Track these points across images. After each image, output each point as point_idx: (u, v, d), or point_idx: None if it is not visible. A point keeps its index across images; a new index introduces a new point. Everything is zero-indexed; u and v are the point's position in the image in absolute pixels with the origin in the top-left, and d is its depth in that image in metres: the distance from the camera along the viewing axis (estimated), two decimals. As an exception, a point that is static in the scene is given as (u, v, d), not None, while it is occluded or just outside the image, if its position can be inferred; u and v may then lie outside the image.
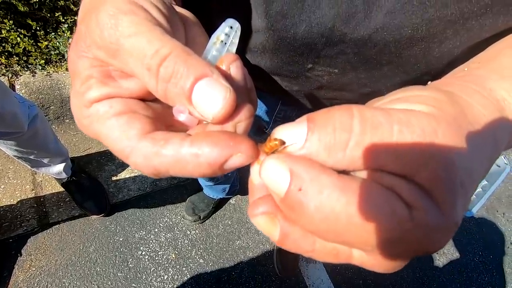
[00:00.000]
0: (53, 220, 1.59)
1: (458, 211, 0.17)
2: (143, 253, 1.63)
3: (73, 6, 1.77)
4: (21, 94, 1.63)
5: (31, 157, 1.33)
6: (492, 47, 0.31)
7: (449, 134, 0.18)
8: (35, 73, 1.76)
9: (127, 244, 1.63)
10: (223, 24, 0.25)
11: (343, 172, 0.18)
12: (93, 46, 0.21)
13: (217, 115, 0.20)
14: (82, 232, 1.61)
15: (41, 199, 1.63)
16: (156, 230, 1.71)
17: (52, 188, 1.67)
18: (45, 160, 1.40)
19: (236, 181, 1.71)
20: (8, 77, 1.68)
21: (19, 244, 1.50)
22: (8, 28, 1.61)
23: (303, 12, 0.34)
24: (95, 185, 1.68)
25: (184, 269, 1.64)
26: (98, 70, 0.21)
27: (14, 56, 1.70)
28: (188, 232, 1.76)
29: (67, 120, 1.89)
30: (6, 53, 1.68)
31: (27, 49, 1.70)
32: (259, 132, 0.74)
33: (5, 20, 1.59)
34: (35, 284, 1.43)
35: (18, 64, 1.71)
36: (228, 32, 0.25)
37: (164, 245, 1.68)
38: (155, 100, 0.23)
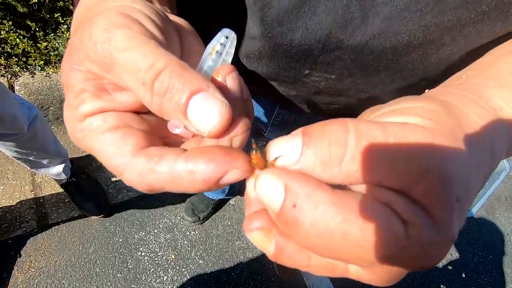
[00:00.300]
0: (52, 221, 1.59)
1: (454, 227, 0.17)
2: (143, 254, 1.63)
3: (72, 7, 1.76)
4: (20, 95, 1.63)
5: (31, 158, 1.33)
6: (490, 53, 0.31)
7: (445, 148, 0.18)
8: (34, 74, 1.75)
9: (126, 245, 1.63)
10: (219, 33, 0.25)
11: (340, 186, 0.18)
12: (86, 59, 0.21)
13: (213, 130, 0.20)
14: (82, 233, 1.61)
15: (41, 200, 1.63)
16: (156, 231, 1.71)
17: (51, 189, 1.67)
18: (45, 161, 1.40)
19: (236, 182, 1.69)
20: (7, 78, 1.68)
21: (18, 245, 1.50)
22: (7, 29, 1.61)
23: (300, 19, 0.34)
24: (94, 186, 1.68)
25: (183, 270, 1.64)
26: (91, 83, 0.21)
27: (13, 57, 1.70)
28: (188, 233, 1.76)
29: (67, 121, 1.88)
30: (5, 54, 1.68)
31: (26, 50, 1.70)
32: (257, 135, 0.74)
33: (5, 21, 1.59)
34: (35, 285, 1.43)
35: (17, 65, 1.71)
36: (223, 42, 0.25)
37: (163, 246, 1.68)
38: (150, 112, 0.23)
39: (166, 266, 1.63)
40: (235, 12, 0.37)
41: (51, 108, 1.78)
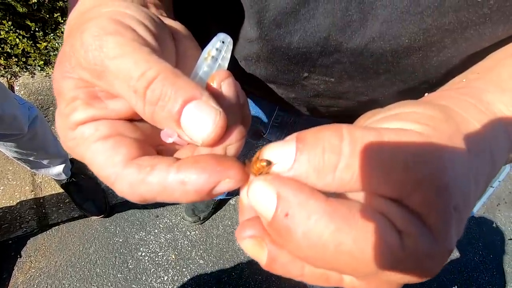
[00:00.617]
0: (52, 221, 1.59)
1: (451, 237, 0.17)
2: (143, 254, 1.63)
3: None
4: (20, 95, 1.63)
5: (31, 158, 1.33)
6: (491, 56, 0.30)
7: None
8: (34, 74, 1.75)
9: (127, 245, 1.63)
10: (214, 38, 0.25)
11: (336, 193, 0.18)
12: (77, 67, 0.20)
13: (207, 139, 0.19)
14: (82, 233, 1.61)
15: (41, 201, 1.63)
16: (156, 231, 1.71)
17: (51, 189, 1.67)
18: (45, 162, 1.40)
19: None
20: (7, 78, 1.68)
21: (18, 246, 1.51)
22: (7, 29, 1.60)
23: (298, 21, 0.34)
24: (94, 186, 1.68)
25: (184, 270, 1.64)
26: (83, 91, 0.21)
27: (13, 57, 1.70)
28: (188, 233, 1.76)
29: (67, 121, 1.88)
30: (5, 54, 1.67)
31: (26, 50, 1.70)
32: (256, 137, 0.73)
33: (4, 21, 1.58)
34: (35, 286, 1.44)
35: (17, 65, 1.71)
36: (219, 47, 0.24)
37: (164, 246, 1.68)
38: (144, 119, 0.23)
39: (167, 266, 1.63)
40: (233, 15, 0.37)
41: (51, 108, 1.78)
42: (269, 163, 0.18)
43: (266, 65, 0.41)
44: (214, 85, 0.22)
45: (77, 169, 1.66)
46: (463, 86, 0.26)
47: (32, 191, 1.64)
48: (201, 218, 1.77)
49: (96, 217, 1.64)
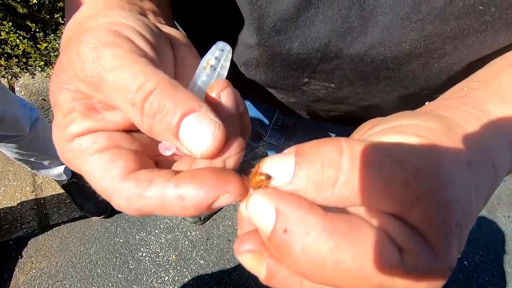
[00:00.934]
0: (53, 222, 1.60)
1: (452, 254, 0.16)
2: (144, 254, 1.64)
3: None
4: (20, 96, 1.64)
5: (32, 159, 1.33)
6: (493, 63, 0.30)
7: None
8: (35, 74, 1.75)
9: (127, 246, 1.64)
10: (213, 47, 0.25)
11: (336, 208, 0.18)
12: (74, 78, 0.20)
13: (206, 152, 0.19)
14: (83, 233, 1.61)
15: (42, 201, 1.63)
16: (157, 231, 1.72)
17: (52, 190, 1.67)
18: (46, 162, 1.40)
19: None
20: (7, 79, 1.68)
21: (19, 246, 1.51)
22: (7, 30, 1.60)
23: (298, 28, 0.33)
24: (95, 186, 1.68)
25: (184, 270, 1.65)
26: (80, 103, 0.21)
27: (14, 58, 1.70)
28: (189, 233, 1.76)
29: (67, 122, 1.89)
30: (6, 55, 1.68)
31: (26, 50, 1.70)
32: (256, 139, 0.73)
33: (4, 22, 1.59)
34: (36, 286, 1.44)
35: (18, 66, 1.71)
36: (218, 55, 0.24)
37: (164, 246, 1.69)
38: None
39: (167, 266, 1.63)
40: (233, 20, 0.37)
41: (51, 109, 1.78)
42: (268, 177, 0.18)
43: (266, 70, 0.41)
44: (213, 95, 0.22)
45: (78, 169, 1.66)
46: (464, 95, 0.26)
47: (33, 191, 1.64)
48: (202, 219, 1.77)
49: (97, 217, 1.64)
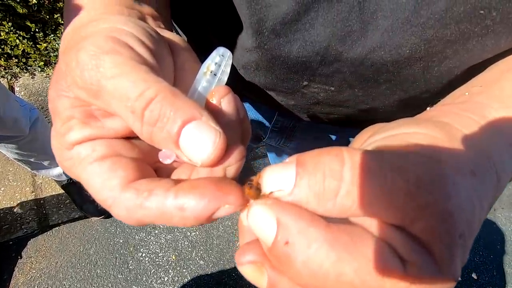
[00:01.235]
0: (53, 222, 1.60)
1: (456, 265, 0.16)
2: (143, 254, 1.63)
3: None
4: (20, 96, 1.63)
5: (32, 159, 1.33)
6: (494, 67, 0.30)
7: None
8: (35, 75, 1.75)
9: (127, 246, 1.63)
10: (214, 52, 0.24)
11: (338, 218, 0.17)
12: (73, 86, 0.20)
13: (206, 160, 0.19)
14: (82, 234, 1.61)
15: (41, 201, 1.63)
16: (156, 231, 1.72)
17: (52, 190, 1.67)
18: (45, 163, 1.40)
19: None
20: (7, 79, 1.68)
21: (19, 247, 1.51)
22: (7, 30, 1.60)
23: (298, 31, 0.33)
24: (95, 187, 1.68)
25: (184, 270, 1.65)
26: (79, 110, 0.20)
27: (13, 58, 1.70)
28: (188, 234, 1.76)
29: (67, 122, 1.89)
30: (5, 55, 1.68)
31: (26, 51, 1.70)
32: (256, 141, 0.73)
33: (4, 22, 1.58)
34: (36, 287, 1.44)
35: (17, 66, 1.71)
36: (219, 61, 0.24)
37: (164, 246, 1.69)
38: None
39: (167, 266, 1.63)
40: (231, 24, 0.37)
41: (51, 109, 1.78)
42: (269, 187, 0.18)
43: (265, 73, 0.41)
44: (214, 102, 0.22)
45: (78, 170, 1.66)
46: (465, 100, 0.25)
47: (33, 192, 1.64)
48: (202, 219, 1.77)
49: (97, 218, 1.64)
